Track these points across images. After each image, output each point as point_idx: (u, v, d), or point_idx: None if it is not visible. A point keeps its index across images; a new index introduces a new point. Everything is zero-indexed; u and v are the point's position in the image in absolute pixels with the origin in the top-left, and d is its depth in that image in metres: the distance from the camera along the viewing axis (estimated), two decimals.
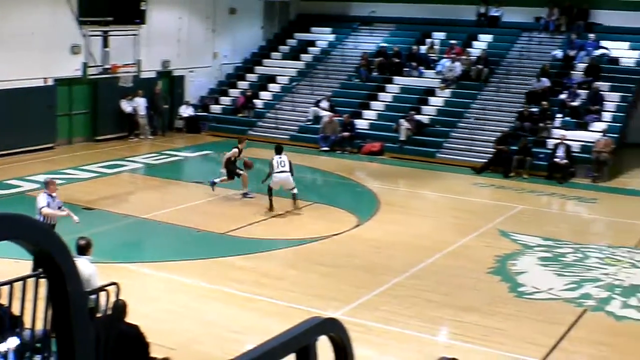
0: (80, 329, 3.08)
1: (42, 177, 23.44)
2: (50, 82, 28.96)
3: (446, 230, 20.48)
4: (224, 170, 22.83)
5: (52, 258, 3.01)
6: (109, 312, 9.71)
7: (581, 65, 32.22)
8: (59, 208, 15.34)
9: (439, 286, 16.08)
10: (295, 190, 21.45)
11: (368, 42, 37.55)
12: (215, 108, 35.45)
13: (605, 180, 27.10)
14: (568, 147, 27.42)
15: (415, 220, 21.71)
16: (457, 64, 33.46)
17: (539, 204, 24.34)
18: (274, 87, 36.20)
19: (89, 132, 31.19)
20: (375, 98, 33.98)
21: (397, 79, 34.45)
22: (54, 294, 3.06)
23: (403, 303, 14.98)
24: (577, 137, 28.48)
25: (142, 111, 31.93)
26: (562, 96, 30.69)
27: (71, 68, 29.31)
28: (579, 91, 30.56)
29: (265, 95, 35.79)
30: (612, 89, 30.83)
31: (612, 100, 30.47)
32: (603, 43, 33.13)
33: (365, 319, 14.02)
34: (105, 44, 29.67)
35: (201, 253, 17.93)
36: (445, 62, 33.75)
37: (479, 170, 27.83)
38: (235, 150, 22.80)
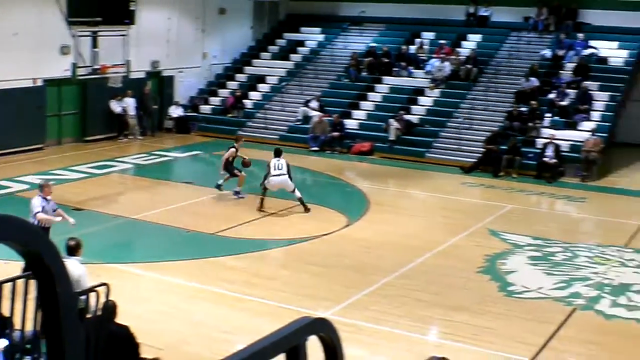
0: (70, 330, 3.09)
1: (31, 178, 23.58)
2: (39, 83, 28.88)
3: (436, 230, 20.51)
4: (223, 172, 22.80)
5: (41, 259, 3.01)
6: (99, 312, 9.71)
7: (570, 65, 32.32)
8: (54, 211, 15.29)
9: (428, 286, 16.10)
10: (298, 194, 21.45)
11: (357, 42, 37.57)
12: (205, 108, 35.42)
13: (594, 179, 27.18)
14: (557, 147, 27.50)
15: (404, 220, 21.73)
16: (447, 63, 33.52)
17: (528, 203, 24.40)
18: (263, 87, 36.20)
19: (78, 132, 31.12)
20: (364, 98, 34.01)
21: (387, 78, 34.48)
22: (44, 295, 3.07)
23: (393, 302, 15.00)
24: (566, 137, 28.55)
25: (131, 111, 31.88)
26: (551, 96, 30.78)
27: (60, 68, 29.23)
28: (568, 91, 30.65)
29: (254, 95, 35.78)
30: (601, 89, 30.91)
31: (600, 99, 30.57)
32: (592, 42, 33.23)
33: (356, 318, 14.03)
34: (95, 45, 29.69)
35: (191, 253, 17.90)
36: (435, 62, 33.80)
37: (468, 169, 27.87)
38: (233, 149, 22.78)
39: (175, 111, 34.23)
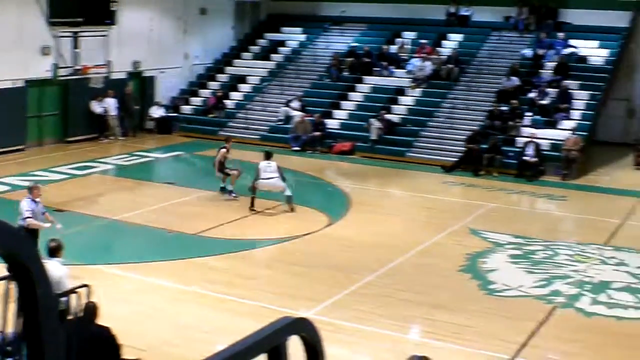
0: (50, 332, 3.10)
1: (12, 180, 23.49)
2: (20, 84, 28.75)
3: (417, 229, 20.57)
4: (219, 174, 22.77)
5: (21, 261, 3.02)
6: (80, 314, 9.70)
7: (550, 64, 32.46)
8: (43, 213, 15.39)
9: (410, 284, 16.14)
10: (288, 192, 21.48)
11: (339, 42, 37.59)
12: (186, 109, 35.35)
13: (575, 178, 27.32)
14: (537, 145, 27.61)
15: (386, 219, 21.78)
16: (428, 63, 33.60)
17: (509, 202, 24.49)
18: (244, 88, 36.17)
19: (59, 133, 30.98)
20: (346, 98, 34.04)
21: (368, 78, 34.53)
22: (24, 297, 3.07)
23: (374, 302, 15.04)
24: (546, 136, 28.66)
25: (112, 112, 31.78)
26: (532, 95, 30.91)
27: (41, 69, 29.09)
28: (549, 90, 30.79)
29: (236, 95, 35.76)
30: (581, 88, 31.07)
31: (581, 98, 30.71)
32: (572, 42, 33.39)
33: (337, 318, 14.05)
34: (76, 45, 29.61)
35: (173, 254, 17.88)
36: (416, 62, 33.87)
37: (449, 168, 27.95)
38: (223, 150, 22.76)
39: (157, 112, 34.16)
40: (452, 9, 36.69)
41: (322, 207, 22.63)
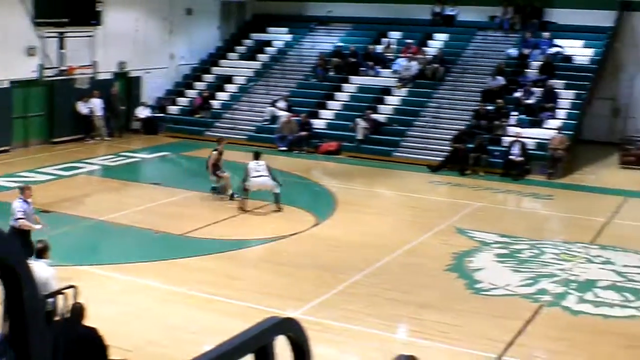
0: (36, 333, 3.09)
1: None
2: (5, 84, 28.65)
3: (403, 229, 20.60)
4: (213, 177, 22.73)
5: (6, 262, 3.02)
6: (67, 315, 9.69)
7: (536, 64, 32.56)
8: (33, 214, 15.41)
9: (397, 284, 16.16)
10: (277, 190, 21.49)
11: (325, 41, 37.61)
12: (172, 109, 35.31)
13: (560, 176, 27.42)
14: (523, 145, 27.69)
15: (372, 218, 21.79)
16: (413, 63, 33.65)
17: (495, 201, 24.55)
18: (230, 88, 36.15)
19: (45, 134, 30.88)
20: (332, 97, 34.06)
21: (354, 78, 34.56)
22: (10, 299, 3.07)
23: (362, 301, 15.05)
24: (532, 135, 28.75)
25: (98, 112, 31.70)
26: (517, 94, 30.99)
27: (27, 70, 28.99)
28: (534, 89, 30.87)
29: (222, 95, 35.73)
30: (567, 87, 31.17)
31: (566, 97, 30.81)
32: (557, 41, 33.48)
33: (324, 317, 14.06)
34: (62, 46, 29.53)
35: (160, 254, 17.86)
36: (402, 61, 33.92)
37: (435, 168, 28.00)
38: (215, 152, 22.72)
39: (143, 112, 34.10)
40: (438, 9, 36.76)
41: (309, 207, 22.64)
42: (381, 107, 32.49)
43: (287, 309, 14.19)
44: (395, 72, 33.84)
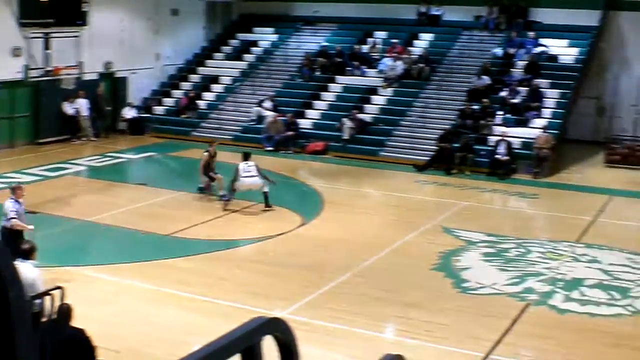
0: (23, 335, 3.09)
1: None
2: None
3: (390, 228, 20.62)
4: (203, 178, 22.70)
5: None
6: (54, 316, 9.66)
7: (521, 63, 32.64)
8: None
9: (384, 283, 16.18)
10: (266, 189, 21.51)
11: (310, 41, 37.61)
12: (158, 109, 35.26)
13: (546, 175, 27.51)
14: (509, 144, 27.76)
15: (359, 218, 21.80)
16: (399, 62, 33.69)
17: (481, 200, 24.59)
18: (216, 88, 36.12)
19: (31, 135, 30.77)
20: (318, 97, 34.07)
21: (340, 78, 34.57)
22: None
23: (349, 301, 15.06)
24: (517, 134, 28.84)
25: (84, 113, 31.62)
26: (503, 93, 31.07)
27: (12, 70, 28.90)
28: (519, 88, 30.96)
29: (208, 96, 35.69)
30: (552, 86, 31.26)
31: (551, 97, 30.91)
32: (542, 41, 33.57)
33: (311, 317, 14.07)
34: (47, 46, 29.46)
35: (146, 255, 17.83)
36: (387, 61, 33.95)
37: (421, 167, 28.04)
38: (207, 154, 22.68)
39: (129, 112, 34.03)
40: (423, 9, 36.81)
41: (296, 207, 22.64)
42: (367, 106, 32.52)
43: (274, 309, 14.19)
44: (381, 72, 33.87)
